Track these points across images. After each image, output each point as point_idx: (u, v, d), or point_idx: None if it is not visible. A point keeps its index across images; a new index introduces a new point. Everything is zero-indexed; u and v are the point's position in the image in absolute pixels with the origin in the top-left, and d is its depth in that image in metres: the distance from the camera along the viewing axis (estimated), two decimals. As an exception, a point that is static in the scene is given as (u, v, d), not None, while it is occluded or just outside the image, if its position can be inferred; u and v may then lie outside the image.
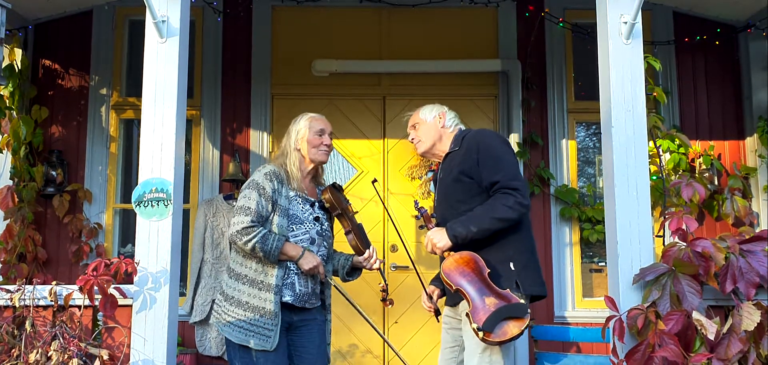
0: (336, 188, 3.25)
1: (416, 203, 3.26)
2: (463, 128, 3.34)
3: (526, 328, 2.79)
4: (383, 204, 3.58)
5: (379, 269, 3.21)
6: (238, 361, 2.98)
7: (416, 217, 3.19)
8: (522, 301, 2.84)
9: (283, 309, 2.99)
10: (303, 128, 3.19)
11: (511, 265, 2.98)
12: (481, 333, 2.75)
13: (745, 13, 5.10)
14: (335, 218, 3.27)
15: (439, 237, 3.02)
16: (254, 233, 2.93)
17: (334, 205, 3.17)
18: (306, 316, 3.11)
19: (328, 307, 3.24)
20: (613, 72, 3.24)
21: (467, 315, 2.83)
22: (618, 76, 3.24)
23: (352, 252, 3.25)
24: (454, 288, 2.92)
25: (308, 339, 3.11)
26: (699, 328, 2.79)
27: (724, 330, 2.86)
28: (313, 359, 3.10)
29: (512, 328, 2.76)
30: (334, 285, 3.20)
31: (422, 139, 3.31)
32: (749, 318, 2.80)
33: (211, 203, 5.09)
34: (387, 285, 3.24)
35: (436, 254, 3.07)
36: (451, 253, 2.99)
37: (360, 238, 3.19)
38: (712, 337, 2.75)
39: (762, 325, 2.81)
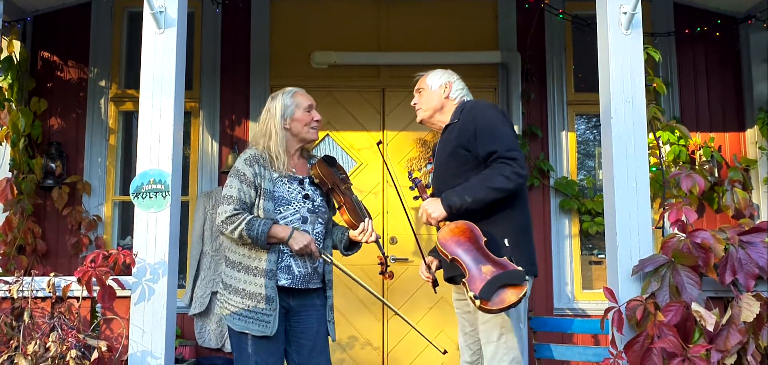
0: (327, 162, 3.14)
1: (410, 173, 3.20)
2: (466, 99, 3.24)
3: (523, 295, 2.74)
4: (388, 171, 3.48)
5: (376, 241, 3.09)
6: (236, 347, 2.97)
7: (411, 188, 3.13)
8: (519, 268, 2.77)
9: (281, 293, 2.96)
10: (290, 106, 3.09)
11: (505, 241, 2.93)
12: (478, 302, 2.71)
13: (746, 5, 5.08)
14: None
15: (434, 207, 2.97)
16: (239, 220, 2.89)
17: (323, 180, 3.07)
18: (305, 301, 3.06)
19: (329, 283, 3.15)
20: (613, 63, 3.23)
21: (464, 283, 2.79)
22: (617, 67, 3.22)
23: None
24: (449, 257, 2.86)
25: (306, 326, 3.06)
26: (698, 319, 2.79)
27: (724, 321, 2.85)
28: (311, 346, 3.05)
29: (510, 296, 2.71)
30: (333, 262, 3.10)
31: (423, 106, 3.24)
32: (748, 309, 2.79)
33: (210, 195, 5.09)
34: (385, 256, 3.15)
35: (430, 224, 3.02)
36: (447, 223, 2.94)
37: (353, 212, 3.07)
38: (711, 328, 2.74)
39: (761, 316, 2.81)
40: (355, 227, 3.07)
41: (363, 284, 3.16)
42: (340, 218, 3.14)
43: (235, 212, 2.91)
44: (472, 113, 3.06)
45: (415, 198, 3.13)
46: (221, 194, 3.02)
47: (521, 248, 2.96)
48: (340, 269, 3.09)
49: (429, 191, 3.14)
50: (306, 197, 3.07)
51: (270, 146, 3.05)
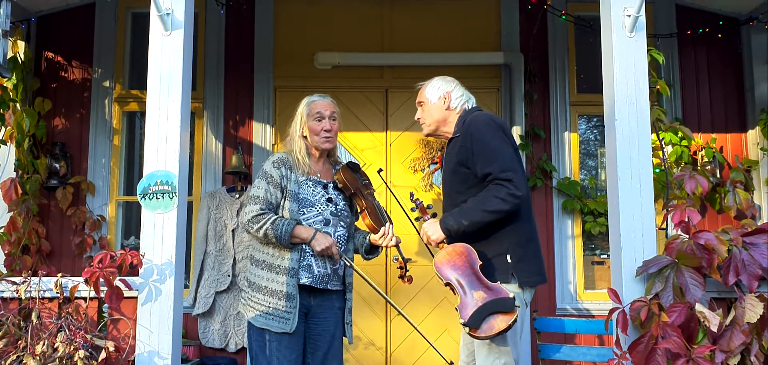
0: (350, 168, 3.21)
1: (411, 194, 3.22)
2: (468, 107, 3.21)
3: (514, 322, 2.76)
4: (392, 193, 3.52)
5: (396, 246, 3.17)
6: (256, 344, 3.03)
7: (412, 209, 3.17)
8: (511, 295, 2.79)
9: (302, 292, 3.02)
10: (304, 114, 3.18)
11: (508, 257, 2.94)
12: (467, 329, 2.76)
13: (748, 6, 5.10)
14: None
15: (433, 230, 3.01)
16: (264, 220, 2.98)
17: (347, 185, 3.15)
18: (325, 302, 3.12)
19: (349, 286, 3.22)
20: (617, 65, 3.24)
21: (456, 308, 2.83)
22: (621, 69, 3.24)
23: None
24: (444, 282, 2.91)
25: (324, 328, 3.12)
26: (702, 320, 2.81)
27: (727, 322, 2.87)
28: (326, 348, 3.11)
29: (499, 322, 2.74)
30: (352, 267, 3.16)
31: (426, 120, 3.24)
32: (752, 310, 2.81)
33: (214, 195, 5.10)
34: (405, 261, 3.20)
35: (431, 245, 3.07)
36: (445, 246, 2.98)
37: (374, 217, 3.14)
38: (714, 329, 2.76)
39: (765, 317, 2.83)
40: (376, 232, 3.15)
41: (382, 293, 3.26)
42: (362, 223, 3.20)
43: (261, 211, 3.00)
44: (469, 130, 3.03)
45: (417, 219, 3.16)
46: (249, 194, 3.09)
47: (525, 261, 2.97)
48: (360, 274, 3.15)
49: (430, 212, 3.15)
50: (329, 200, 3.14)
51: (294, 149, 3.15)
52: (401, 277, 3.21)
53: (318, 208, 3.10)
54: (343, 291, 3.22)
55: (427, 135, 3.31)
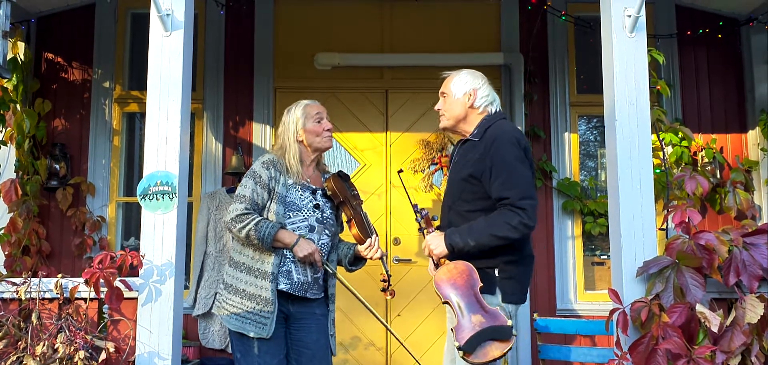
0: (341, 177, 3.20)
1: (415, 206, 3.13)
2: (492, 110, 3.08)
3: (508, 351, 2.73)
4: (407, 196, 3.38)
5: (380, 258, 3.15)
6: (236, 349, 3.00)
7: (417, 219, 3.09)
8: (509, 323, 2.74)
9: (281, 299, 2.98)
10: (301, 118, 3.14)
11: (496, 272, 2.89)
12: (461, 352, 2.72)
13: (747, 7, 5.10)
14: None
15: (436, 244, 2.93)
16: (248, 220, 2.93)
17: (336, 193, 3.13)
18: (305, 309, 3.08)
19: (332, 297, 3.19)
20: (617, 66, 3.24)
21: (452, 329, 2.79)
22: (622, 69, 3.24)
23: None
24: (442, 300, 2.85)
25: (306, 334, 3.08)
26: (702, 321, 2.81)
27: (728, 322, 2.88)
28: (311, 354, 3.07)
29: (494, 350, 2.71)
30: (336, 275, 3.15)
31: (446, 114, 3.11)
32: (752, 310, 2.82)
33: (213, 196, 5.10)
34: (389, 275, 3.18)
35: (432, 259, 2.99)
36: (447, 261, 2.91)
37: (361, 227, 3.12)
38: (715, 329, 2.76)
39: (765, 318, 2.83)
40: (362, 242, 3.13)
41: (365, 302, 3.21)
42: (349, 233, 3.18)
43: (246, 211, 2.96)
44: (494, 146, 2.91)
45: (420, 230, 3.08)
46: (235, 193, 3.06)
47: (512, 279, 2.91)
48: (342, 282, 3.14)
49: (435, 224, 3.08)
50: (316, 206, 3.11)
51: (286, 157, 3.11)
52: (383, 290, 3.18)
53: (304, 213, 3.07)
54: (325, 300, 3.17)
55: (444, 128, 3.17)
